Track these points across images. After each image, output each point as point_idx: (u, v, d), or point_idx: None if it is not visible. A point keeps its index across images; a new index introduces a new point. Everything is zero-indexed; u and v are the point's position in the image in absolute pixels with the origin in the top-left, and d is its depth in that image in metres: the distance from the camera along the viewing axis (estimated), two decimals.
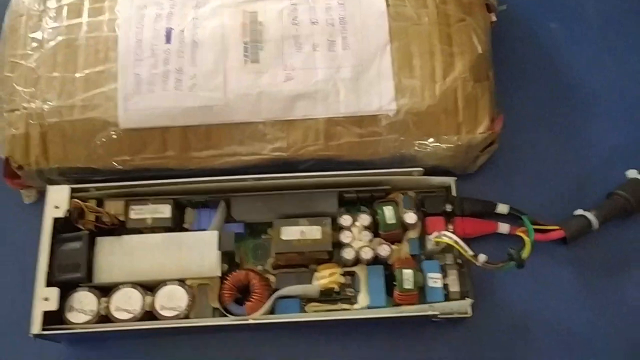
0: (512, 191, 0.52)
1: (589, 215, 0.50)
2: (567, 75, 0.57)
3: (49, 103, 0.48)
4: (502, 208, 0.50)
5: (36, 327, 0.44)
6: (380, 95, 0.49)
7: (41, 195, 0.52)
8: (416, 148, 0.49)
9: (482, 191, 0.52)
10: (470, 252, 0.45)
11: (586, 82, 0.57)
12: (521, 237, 0.47)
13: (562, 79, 0.57)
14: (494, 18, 0.54)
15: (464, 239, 0.46)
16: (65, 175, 0.50)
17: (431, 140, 0.49)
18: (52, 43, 0.50)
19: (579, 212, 0.50)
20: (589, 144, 0.54)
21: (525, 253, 0.45)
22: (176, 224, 0.49)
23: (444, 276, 0.47)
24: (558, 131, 0.55)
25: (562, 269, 0.50)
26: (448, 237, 0.46)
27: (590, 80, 0.57)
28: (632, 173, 0.51)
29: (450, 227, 0.49)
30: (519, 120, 0.54)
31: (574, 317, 0.49)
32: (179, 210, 0.49)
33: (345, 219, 0.48)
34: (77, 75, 0.49)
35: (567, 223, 0.50)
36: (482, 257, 0.45)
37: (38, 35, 0.50)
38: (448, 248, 0.49)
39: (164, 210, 0.48)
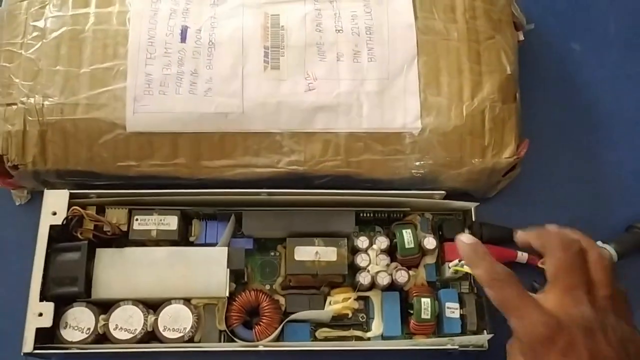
0: (529, 218, 0.50)
1: (609, 248, 0.48)
2: (588, 97, 0.55)
3: (50, 99, 0.45)
4: None
5: (28, 345, 0.40)
6: (405, 112, 0.47)
7: (33, 197, 0.49)
8: (438, 169, 0.47)
9: (499, 217, 0.50)
10: None
11: (608, 104, 0.55)
12: (540, 269, 0.46)
13: (582, 101, 0.55)
14: (521, 37, 0.52)
15: None
16: (63, 178, 0.46)
17: (455, 162, 0.47)
18: (55, 33, 0.46)
19: (599, 244, 0.49)
20: (611, 169, 0.53)
21: None
22: (182, 237, 0.45)
23: (461, 306, 0.45)
24: (578, 156, 0.53)
25: None
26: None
27: (612, 102, 0.55)
28: None
29: None
30: (538, 144, 0.52)
31: None
32: (184, 221, 0.46)
33: (362, 241, 0.46)
34: (82, 70, 0.45)
35: None
36: None
37: (40, 23, 0.46)
38: (465, 275, 0.47)
39: (170, 222, 0.45)
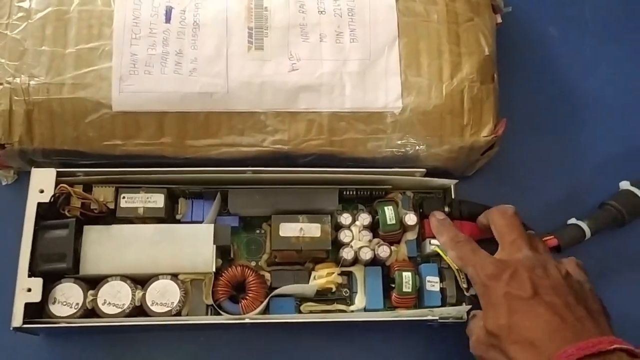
0: (507, 195, 0.52)
1: (583, 225, 0.50)
2: (564, 79, 0.57)
3: (36, 79, 0.45)
4: None
5: (17, 319, 0.41)
6: (386, 92, 0.48)
7: (20, 177, 0.49)
8: (419, 148, 0.48)
9: (478, 195, 0.51)
10: (465, 285, 0.45)
11: (583, 87, 0.57)
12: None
13: (559, 83, 0.57)
14: (499, 20, 0.53)
15: None
16: (49, 157, 0.46)
17: (435, 140, 0.48)
18: (40, 14, 0.46)
19: (573, 221, 0.50)
20: (584, 150, 0.55)
21: None
22: (168, 215, 0.46)
23: (441, 280, 0.47)
24: (554, 136, 0.55)
25: None
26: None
27: (587, 86, 0.57)
28: (624, 184, 0.52)
29: None
30: (516, 124, 0.53)
31: None
32: (171, 200, 0.47)
33: (345, 218, 0.47)
34: (68, 50, 0.46)
35: (561, 232, 0.49)
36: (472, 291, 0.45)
37: (25, 4, 0.47)
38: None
39: (157, 200, 0.45)
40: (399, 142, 0.48)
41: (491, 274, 0.41)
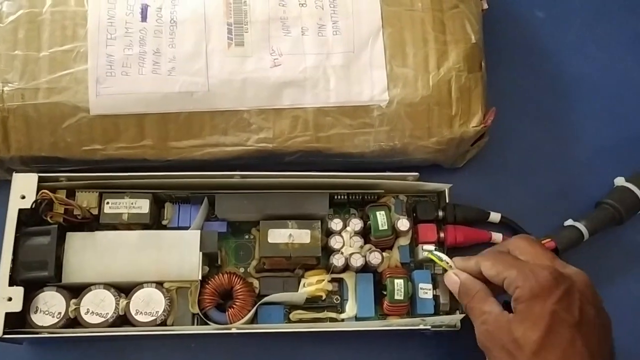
0: (499, 189, 0.51)
1: (580, 227, 0.48)
2: (553, 64, 0.56)
3: (10, 84, 0.44)
4: (494, 217, 0.49)
5: None
6: (372, 85, 0.46)
7: None
8: (407, 141, 0.47)
9: (470, 189, 0.50)
10: None
11: (573, 72, 0.55)
12: None
13: (548, 68, 0.56)
14: (485, 5, 0.51)
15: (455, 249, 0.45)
16: (28, 165, 0.45)
17: (423, 133, 0.47)
18: (12, 17, 0.45)
19: (570, 222, 0.49)
20: (577, 136, 0.53)
21: None
22: (154, 221, 0.45)
23: (435, 287, 0.45)
24: (545, 123, 0.54)
25: None
26: (445, 261, 0.43)
27: (577, 70, 0.55)
28: (619, 181, 0.50)
29: (442, 234, 0.47)
30: (505, 112, 0.51)
31: None
32: (157, 205, 0.46)
33: (336, 224, 0.45)
34: (42, 54, 0.44)
35: (559, 235, 0.48)
36: None
37: None
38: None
39: (142, 205, 0.44)
40: (386, 135, 0.47)
41: (545, 283, 0.37)
